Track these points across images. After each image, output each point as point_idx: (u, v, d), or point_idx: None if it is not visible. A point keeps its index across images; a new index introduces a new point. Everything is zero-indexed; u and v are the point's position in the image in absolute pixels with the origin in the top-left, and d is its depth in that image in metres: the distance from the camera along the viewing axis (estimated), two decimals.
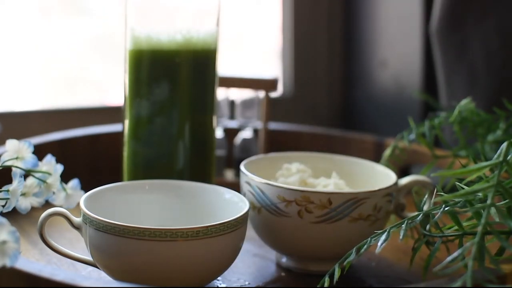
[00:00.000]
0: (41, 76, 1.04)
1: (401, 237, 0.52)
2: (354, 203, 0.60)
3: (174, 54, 0.67)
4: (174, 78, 0.68)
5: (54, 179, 0.61)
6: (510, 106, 0.70)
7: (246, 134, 0.88)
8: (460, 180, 0.53)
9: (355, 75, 1.20)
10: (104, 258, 0.55)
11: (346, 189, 0.65)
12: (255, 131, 0.89)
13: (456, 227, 0.53)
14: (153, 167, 0.69)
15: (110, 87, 1.09)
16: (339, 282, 0.54)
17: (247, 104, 0.87)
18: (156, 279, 0.53)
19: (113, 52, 1.03)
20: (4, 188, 0.57)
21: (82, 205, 0.56)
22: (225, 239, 0.55)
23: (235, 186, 0.67)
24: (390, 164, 0.74)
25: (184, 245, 0.53)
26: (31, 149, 0.60)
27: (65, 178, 0.63)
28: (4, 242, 0.46)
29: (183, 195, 0.64)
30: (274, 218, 0.61)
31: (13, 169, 0.58)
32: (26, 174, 0.59)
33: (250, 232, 0.63)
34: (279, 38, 1.19)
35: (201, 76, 0.69)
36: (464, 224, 0.53)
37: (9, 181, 0.58)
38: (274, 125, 0.93)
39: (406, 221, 0.53)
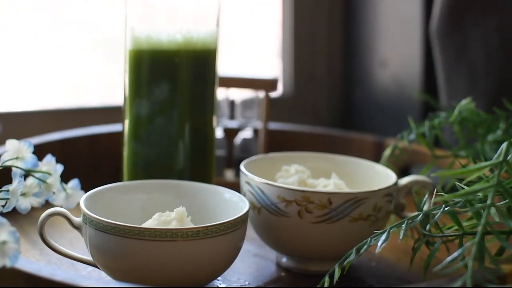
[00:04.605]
0: (41, 76, 1.04)
1: (401, 237, 0.52)
2: (354, 203, 0.60)
3: (174, 54, 0.67)
4: (174, 78, 0.68)
5: (54, 179, 0.61)
6: (510, 106, 0.70)
7: (246, 134, 0.88)
8: (460, 180, 0.53)
9: (355, 75, 1.20)
10: (104, 258, 0.55)
11: (346, 189, 0.65)
12: (255, 131, 0.89)
13: (456, 227, 0.53)
14: (153, 167, 0.69)
15: (111, 87, 1.09)
16: (339, 282, 0.54)
17: (247, 104, 0.87)
18: (156, 279, 0.53)
19: (114, 52, 1.03)
20: (4, 188, 0.57)
21: (82, 205, 0.56)
22: (225, 239, 0.55)
23: (235, 186, 0.67)
24: (390, 164, 0.74)
25: (184, 245, 0.53)
26: (31, 149, 0.60)
27: (65, 178, 0.63)
28: (4, 242, 0.46)
29: (183, 195, 0.64)
30: (274, 218, 0.61)
31: (13, 169, 0.58)
32: (26, 174, 0.59)
33: (250, 232, 0.63)
34: (279, 38, 1.19)
35: (201, 76, 0.69)
36: (464, 224, 0.53)
37: (9, 181, 0.58)
38: (274, 125, 0.93)
39: (406, 221, 0.53)
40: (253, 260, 0.66)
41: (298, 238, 0.61)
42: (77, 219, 0.57)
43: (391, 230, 0.53)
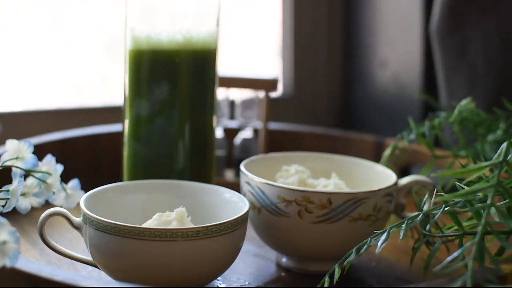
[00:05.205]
0: (41, 76, 1.04)
1: (401, 237, 0.52)
2: (354, 203, 0.60)
3: (174, 54, 0.67)
4: (174, 78, 0.68)
5: (54, 179, 0.61)
6: (510, 106, 0.70)
7: (246, 134, 0.88)
8: (460, 180, 0.53)
9: (355, 75, 1.20)
10: (104, 258, 0.55)
11: (346, 189, 0.65)
12: (255, 131, 0.89)
13: (456, 227, 0.53)
14: (153, 167, 0.69)
15: (111, 87, 1.09)
16: (339, 282, 0.54)
17: (247, 104, 0.87)
18: (156, 279, 0.53)
19: (114, 52, 1.03)
20: (4, 188, 0.57)
21: (82, 205, 0.56)
22: (225, 239, 0.55)
23: (235, 186, 0.67)
24: (390, 164, 0.74)
25: (184, 245, 0.53)
26: (31, 149, 0.60)
27: (65, 178, 0.63)
28: (4, 242, 0.46)
29: (183, 195, 0.64)
30: (274, 218, 0.61)
31: (13, 169, 0.58)
32: (26, 174, 0.59)
33: (250, 232, 0.63)
34: (279, 38, 1.19)
35: (201, 76, 0.69)
36: (464, 224, 0.53)
37: (9, 181, 0.58)
38: (274, 125, 0.93)
39: (406, 221, 0.53)
40: (253, 260, 0.66)
41: (298, 238, 0.61)
42: (77, 219, 0.57)
43: (391, 230, 0.53)
